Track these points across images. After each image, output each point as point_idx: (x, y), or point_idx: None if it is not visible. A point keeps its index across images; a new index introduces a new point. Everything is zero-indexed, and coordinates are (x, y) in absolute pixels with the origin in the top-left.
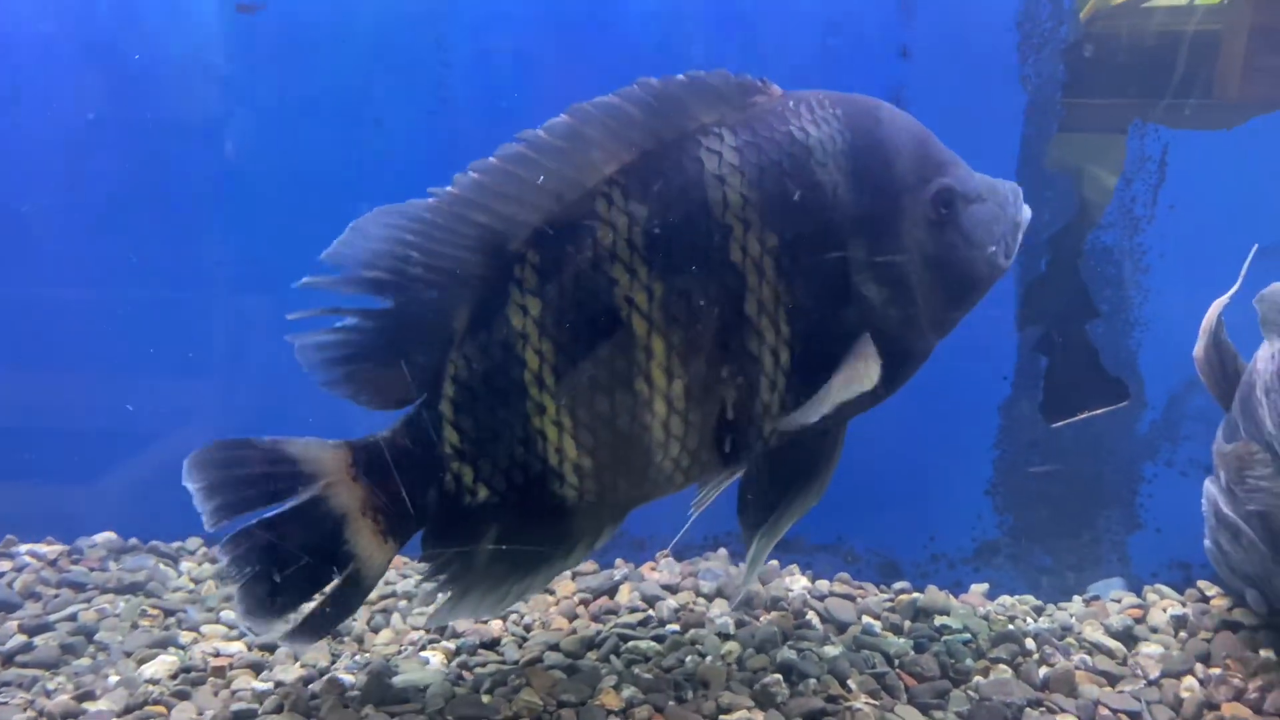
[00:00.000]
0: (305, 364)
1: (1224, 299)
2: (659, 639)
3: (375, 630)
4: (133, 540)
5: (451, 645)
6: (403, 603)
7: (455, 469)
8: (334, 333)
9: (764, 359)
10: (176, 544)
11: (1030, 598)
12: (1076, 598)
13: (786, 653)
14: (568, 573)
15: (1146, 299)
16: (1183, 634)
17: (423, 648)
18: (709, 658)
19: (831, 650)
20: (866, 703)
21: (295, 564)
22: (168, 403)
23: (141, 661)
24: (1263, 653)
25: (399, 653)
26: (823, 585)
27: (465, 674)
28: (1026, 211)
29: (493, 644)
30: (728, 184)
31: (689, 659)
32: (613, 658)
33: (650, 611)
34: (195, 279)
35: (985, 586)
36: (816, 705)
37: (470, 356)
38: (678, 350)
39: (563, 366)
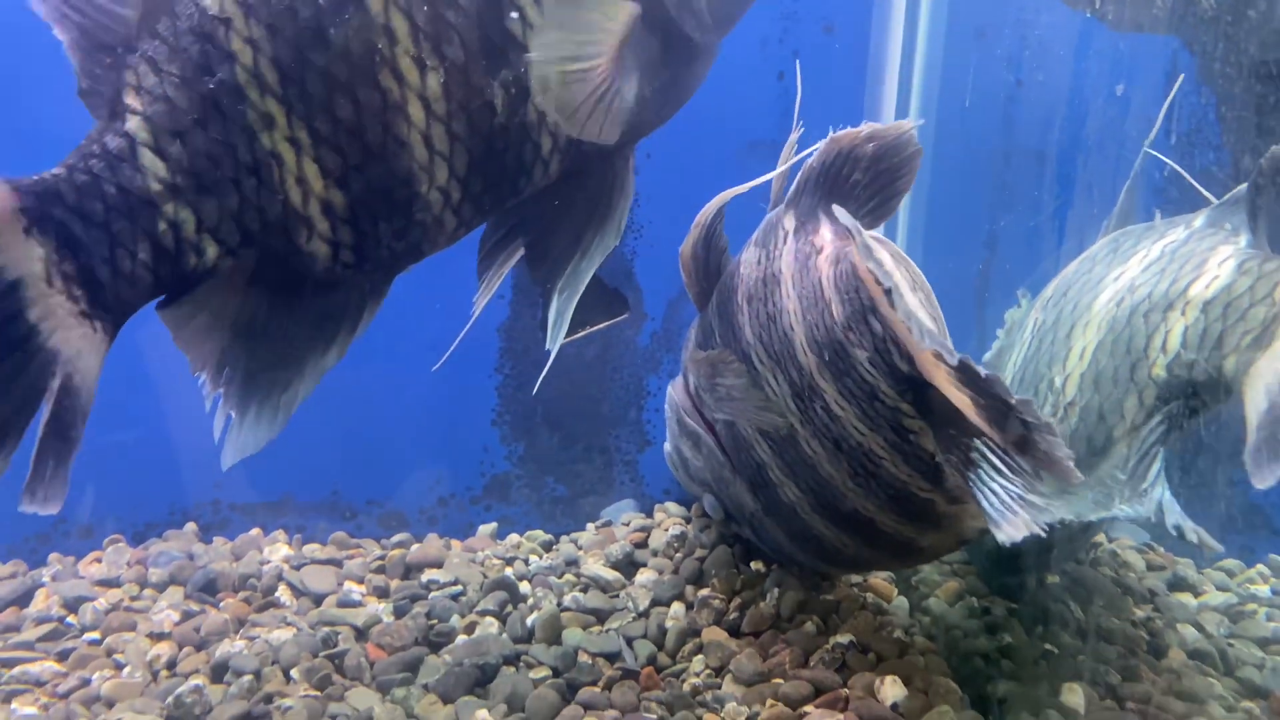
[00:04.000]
0: None
1: (734, 191)
2: (64, 655)
3: None
4: None
5: None
6: None
7: (171, 214)
8: None
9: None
10: None
11: (540, 533)
12: (590, 526)
13: (228, 646)
14: None
15: (637, 203)
16: (679, 555)
17: None
18: (128, 669)
19: (283, 635)
20: (306, 695)
21: None
22: None
23: None
24: (754, 565)
25: None
26: (311, 549)
27: None
28: None
29: None
30: None
31: (97, 675)
32: None
33: (71, 619)
34: None
35: (494, 526)
36: (237, 712)
37: (156, 56)
38: (425, 32)
39: (286, 59)
